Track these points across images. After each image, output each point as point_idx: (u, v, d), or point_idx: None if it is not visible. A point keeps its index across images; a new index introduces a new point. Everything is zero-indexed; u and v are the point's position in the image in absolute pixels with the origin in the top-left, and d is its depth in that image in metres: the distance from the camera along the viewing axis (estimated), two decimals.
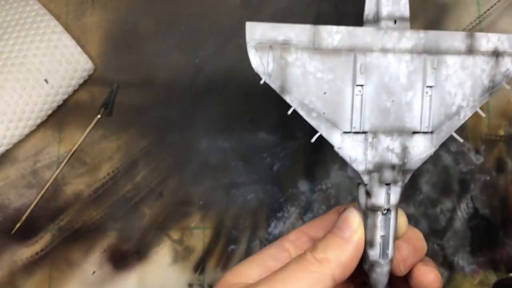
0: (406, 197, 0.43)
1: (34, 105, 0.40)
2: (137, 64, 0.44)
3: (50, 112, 0.42)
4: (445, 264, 0.42)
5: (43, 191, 0.42)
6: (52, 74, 0.40)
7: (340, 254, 0.29)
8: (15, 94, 0.40)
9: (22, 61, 0.40)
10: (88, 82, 0.44)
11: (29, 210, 0.42)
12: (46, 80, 0.40)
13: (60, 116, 0.43)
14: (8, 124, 0.39)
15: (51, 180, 0.42)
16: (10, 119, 0.39)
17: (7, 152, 0.43)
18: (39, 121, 0.42)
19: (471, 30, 0.44)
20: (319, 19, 0.45)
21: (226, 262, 0.42)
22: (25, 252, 0.41)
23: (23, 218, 0.42)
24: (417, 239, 0.32)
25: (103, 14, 0.45)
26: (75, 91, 0.44)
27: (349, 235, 0.29)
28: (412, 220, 0.43)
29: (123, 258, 0.42)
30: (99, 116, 0.42)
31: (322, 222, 0.33)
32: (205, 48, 0.44)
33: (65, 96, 0.42)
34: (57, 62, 0.41)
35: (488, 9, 0.45)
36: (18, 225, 0.42)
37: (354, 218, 0.29)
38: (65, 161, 0.42)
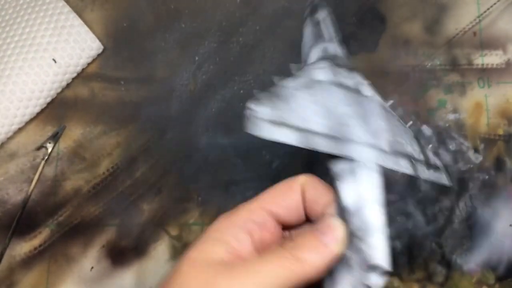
0: (405, 195, 0.44)
1: (43, 84, 0.43)
2: (137, 61, 0.46)
3: (60, 90, 0.45)
4: (443, 262, 0.43)
5: (33, 185, 0.43)
6: (59, 53, 0.43)
7: (319, 260, 0.30)
8: (23, 73, 0.43)
9: (31, 43, 0.43)
10: (88, 78, 0.45)
11: (24, 204, 0.43)
12: (54, 60, 0.42)
13: (60, 111, 0.45)
14: (18, 104, 0.42)
15: (36, 176, 0.44)
16: (19, 98, 0.42)
17: (7, 147, 0.44)
18: (49, 99, 0.44)
19: (470, 29, 0.46)
20: None
21: None
22: (24, 246, 0.43)
23: (18, 214, 0.43)
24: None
25: (103, 10, 0.46)
26: (75, 88, 0.45)
27: (333, 247, 0.30)
28: (411, 218, 0.44)
29: (121, 254, 0.43)
30: (39, 160, 0.44)
31: (283, 200, 0.33)
32: (205, 45, 0.46)
33: (74, 75, 0.45)
34: (64, 41, 0.43)
35: (488, 9, 0.46)
36: (16, 219, 0.43)
37: (340, 230, 0.31)
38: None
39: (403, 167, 0.34)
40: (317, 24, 0.39)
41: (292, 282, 0.29)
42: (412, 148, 0.36)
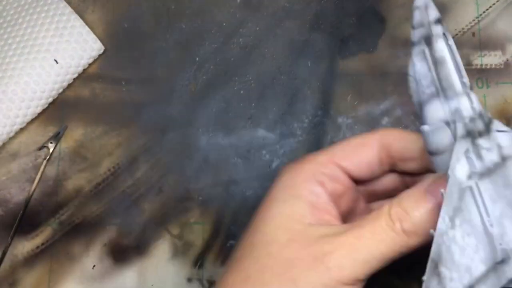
0: None
1: (45, 85, 0.43)
2: (138, 61, 0.46)
3: (61, 90, 0.45)
4: None
5: (35, 184, 0.44)
6: (61, 54, 0.44)
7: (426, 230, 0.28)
8: (25, 74, 0.43)
9: (33, 43, 0.44)
10: (89, 78, 0.46)
11: (27, 203, 0.44)
12: (55, 60, 0.42)
13: (62, 112, 0.45)
14: (20, 104, 0.43)
15: (38, 177, 0.44)
16: (21, 98, 0.42)
17: (9, 147, 0.45)
18: (51, 99, 0.45)
19: (469, 30, 0.46)
20: (319, 18, 0.46)
21: (225, 257, 0.43)
22: (26, 245, 0.43)
23: (21, 213, 0.43)
24: None
25: (104, 11, 0.47)
26: (76, 88, 0.45)
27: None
28: None
29: (123, 253, 0.43)
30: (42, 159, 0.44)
31: (355, 156, 0.32)
32: (206, 46, 0.46)
33: (75, 75, 0.45)
34: (65, 42, 0.44)
35: (487, 9, 0.46)
36: (18, 218, 0.43)
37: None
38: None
39: None
40: (436, 63, 0.28)
41: (395, 255, 0.29)
42: None
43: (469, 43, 0.46)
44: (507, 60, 0.46)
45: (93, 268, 0.43)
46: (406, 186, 0.34)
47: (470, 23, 0.46)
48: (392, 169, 0.34)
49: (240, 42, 0.46)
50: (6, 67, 0.43)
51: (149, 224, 0.44)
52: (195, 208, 0.44)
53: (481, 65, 0.46)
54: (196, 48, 0.46)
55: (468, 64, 0.46)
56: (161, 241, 0.44)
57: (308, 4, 0.47)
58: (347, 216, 0.34)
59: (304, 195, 0.31)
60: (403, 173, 0.34)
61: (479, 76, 0.46)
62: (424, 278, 0.26)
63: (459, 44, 0.46)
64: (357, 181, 0.33)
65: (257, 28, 0.46)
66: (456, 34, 0.46)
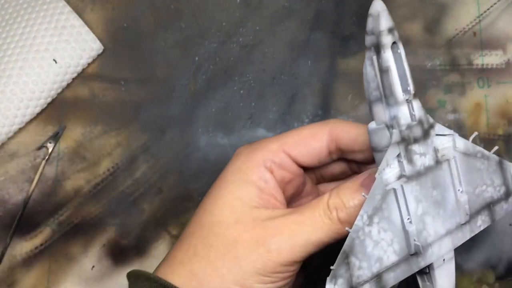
0: None
1: (44, 85, 0.43)
2: (137, 61, 0.46)
3: (60, 90, 0.45)
4: None
5: (33, 185, 0.44)
6: (60, 54, 0.44)
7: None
8: (24, 74, 0.43)
9: (31, 42, 0.43)
10: (88, 78, 0.46)
11: (25, 204, 0.43)
12: (54, 60, 0.42)
13: (61, 111, 0.45)
14: (19, 104, 0.42)
15: (37, 177, 0.44)
16: (20, 98, 0.42)
17: (7, 147, 0.45)
18: (50, 99, 0.45)
19: (470, 30, 0.46)
20: (319, 17, 0.46)
21: None
22: (25, 246, 0.43)
23: (19, 213, 0.43)
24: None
25: (103, 11, 0.47)
26: (75, 88, 0.45)
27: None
28: None
29: (122, 253, 0.43)
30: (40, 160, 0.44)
31: (305, 147, 0.34)
32: (205, 46, 0.46)
33: (74, 75, 0.45)
34: (65, 41, 0.44)
35: (488, 9, 0.46)
36: (17, 218, 0.43)
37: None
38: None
39: (481, 225, 0.34)
40: (381, 71, 0.29)
41: (330, 241, 0.31)
42: (493, 187, 0.34)
43: (470, 42, 0.46)
44: (508, 59, 0.46)
45: (92, 269, 0.43)
46: (352, 172, 0.37)
47: (471, 22, 0.46)
48: (340, 157, 0.36)
49: (240, 41, 0.46)
50: (4, 67, 0.43)
51: (148, 225, 0.44)
52: (194, 208, 0.44)
53: (482, 64, 0.46)
54: (196, 48, 0.46)
55: (469, 64, 0.46)
56: (160, 242, 0.44)
57: (308, 4, 0.47)
58: (293, 198, 0.36)
59: (254, 180, 0.33)
60: (350, 161, 0.36)
61: (480, 76, 0.45)
62: (333, 267, 0.29)
63: (460, 44, 0.46)
64: (306, 168, 0.36)
65: (257, 28, 0.46)
66: (457, 34, 0.46)
